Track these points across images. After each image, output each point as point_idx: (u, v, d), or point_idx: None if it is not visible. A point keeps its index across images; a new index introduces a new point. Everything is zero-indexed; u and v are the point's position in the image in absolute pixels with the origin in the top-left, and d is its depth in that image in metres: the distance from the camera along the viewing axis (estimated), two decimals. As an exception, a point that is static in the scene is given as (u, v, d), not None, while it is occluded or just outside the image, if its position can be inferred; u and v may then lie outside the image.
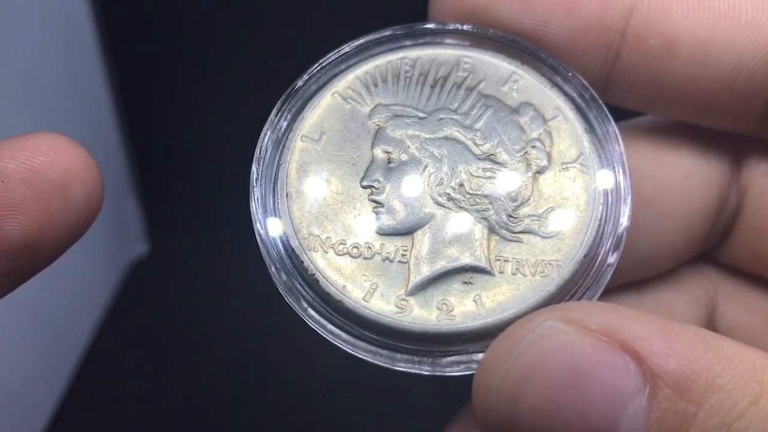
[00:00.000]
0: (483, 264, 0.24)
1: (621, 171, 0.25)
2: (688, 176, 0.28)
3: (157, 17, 0.65)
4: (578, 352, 0.19)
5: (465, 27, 0.27)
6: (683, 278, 0.30)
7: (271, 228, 0.25)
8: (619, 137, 0.25)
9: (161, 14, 0.65)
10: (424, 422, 0.32)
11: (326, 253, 0.24)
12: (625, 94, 0.27)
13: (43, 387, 0.57)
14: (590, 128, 0.25)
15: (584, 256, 0.24)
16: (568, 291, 0.24)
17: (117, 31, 0.64)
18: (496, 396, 0.20)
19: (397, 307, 0.23)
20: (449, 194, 0.25)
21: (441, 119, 0.26)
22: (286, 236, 0.24)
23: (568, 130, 0.25)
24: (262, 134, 0.26)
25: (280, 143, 0.26)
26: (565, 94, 0.26)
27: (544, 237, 0.24)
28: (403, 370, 0.24)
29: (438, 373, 0.24)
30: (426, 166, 0.25)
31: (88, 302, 0.64)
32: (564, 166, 0.25)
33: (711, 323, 0.30)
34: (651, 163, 0.28)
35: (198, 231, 0.71)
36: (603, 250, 0.24)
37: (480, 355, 0.23)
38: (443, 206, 0.25)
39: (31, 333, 0.55)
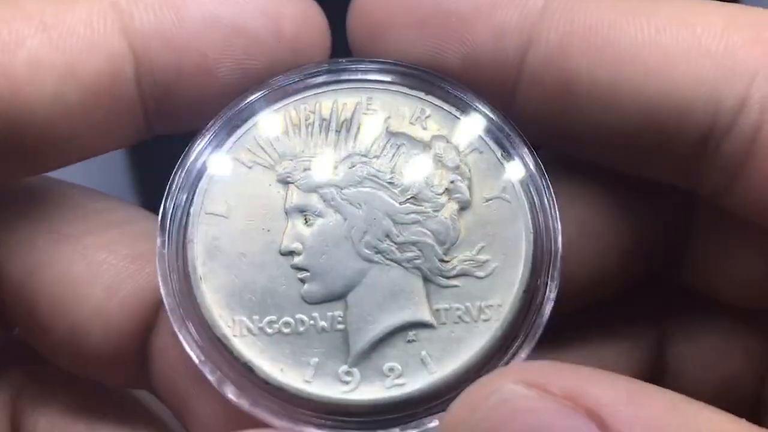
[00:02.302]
0: (425, 318, 0.23)
1: (547, 197, 0.24)
2: (634, 208, 0.26)
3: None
4: (541, 417, 0.19)
5: (364, 63, 0.25)
6: (632, 309, 0.29)
7: (189, 316, 0.22)
8: (539, 162, 0.24)
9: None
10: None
11: (255, 336, 0.22)
12: (528, 131, 0.25)
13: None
14: (507, 155, 0.24)
15: (524, 292, 0.23)
16: (512, 332, 0.23)
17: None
18: None
19: (342, 382, 0.22)
20: (376, 247, 0.23)
21: (354, 166, 0.24)
22: (208, 325, 0.22)
23: (485, 160, 0.24)
24: (161, 210, 0.23)
25: (183, 220, 0.23)
26: (476, 122, 0.25)
27: (479, 278, 0.23)
28: None
29: None
30: (346, 220, 0.23)
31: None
32: (487, 199, 0.24)
33: (660, 352, 0.29)
34: (595, 196, 0.26)
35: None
36: (541, 283, 0.23)
37: (431, 420, 0.22)
38: (371, 261, 0.23)
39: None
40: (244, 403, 0.22)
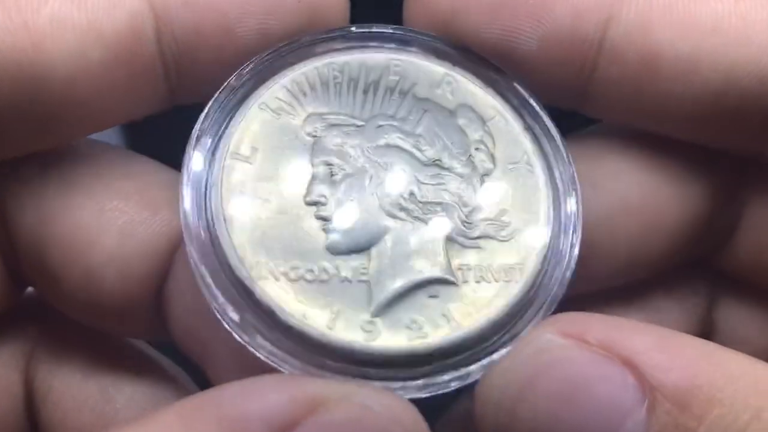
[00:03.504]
0: (446, 275, 0.23)
1: (565, 167, 0.24)
2: (680, 187, 0.26)
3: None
4: (576, 366, 0.19)
5: (390, 29, 0.25)
6: (677, 283, 0.29)
7: (210, 259, 0.22)
8: (557, 133, 0.25)
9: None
10: None
11: (278, 280, 0.22)
12: (605, 109, 0.25)
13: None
14: (528, 127, 0.25)
15: (544, 256, 0.23)
16: (533, 293, 0.23)
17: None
18: (495, 410, 0.20)
19: (365, 331, 0.22)
20: (401, 204, 0.23)
21: (380, 126, 0.24)
22: (230, 267, 0.22)
23: (507, 131, 0.25)
24: (186, 154, 0.23)
25: (208, 162, 0.23)
26: (500, 94, 0.25)
27: (501, 240, 0.23)
28: None
29: (412, 396, 0.22)
30: (372, 177, 0.23)
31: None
32: (510, 167, 0.24)
33: (706, 329, 0.29)
34: (641, 172, 0.26)
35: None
36: (562, 247, 0.24)
37: (453, 373, 0.22)
38: (396, 218, 0.23)
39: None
40: (263, 349, 0.21)
